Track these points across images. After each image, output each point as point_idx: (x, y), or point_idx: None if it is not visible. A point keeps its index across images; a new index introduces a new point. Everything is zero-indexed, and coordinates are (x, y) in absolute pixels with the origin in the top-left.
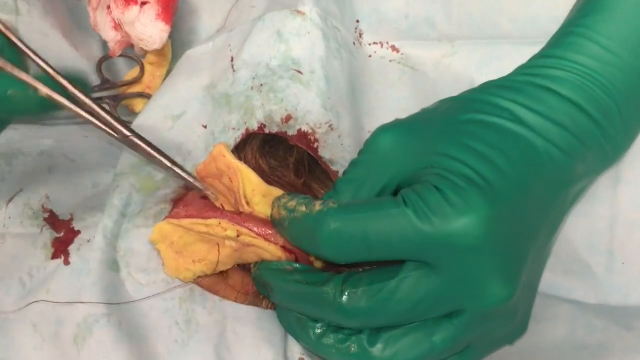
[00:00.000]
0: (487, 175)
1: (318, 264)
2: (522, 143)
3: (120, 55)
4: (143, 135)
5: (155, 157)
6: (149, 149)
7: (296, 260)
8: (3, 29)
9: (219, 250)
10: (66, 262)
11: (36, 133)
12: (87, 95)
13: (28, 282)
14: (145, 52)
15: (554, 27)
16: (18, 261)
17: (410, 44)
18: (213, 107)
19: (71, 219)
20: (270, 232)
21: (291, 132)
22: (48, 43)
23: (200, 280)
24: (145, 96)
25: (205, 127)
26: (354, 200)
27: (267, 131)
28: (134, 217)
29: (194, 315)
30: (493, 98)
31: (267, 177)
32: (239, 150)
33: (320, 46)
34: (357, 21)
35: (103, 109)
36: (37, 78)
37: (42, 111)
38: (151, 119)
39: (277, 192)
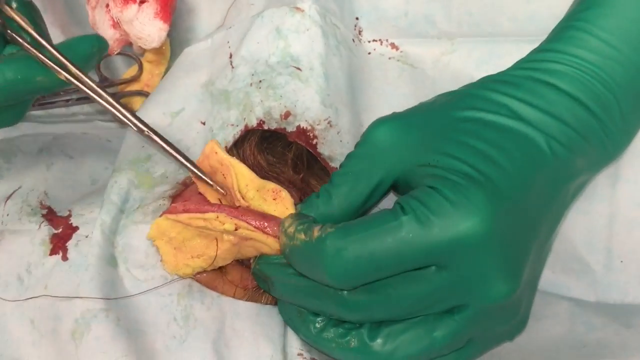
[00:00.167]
0: (487, 172)
1: None
2: (522, 139)
3: (119, 54)
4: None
5: (170, 152)
6: (165, 145)
7: None
8: (21, 22)
9: (217, 245)
10: (64, 258)
11: (35, 130)
12: (99, 86)
13: (26, 279)
14: (144, 50)
15: (553, 25)
16: (16, 258)
17: (410, 42)
18: (212, 103)
19: (69, 215)
20: (268, 224)
21: (290, 128)
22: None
23: (198, 276)
24: (144, 94)
25: (203, 123)
26: (350, 222)
27: (266, 127)
28: (133, 213)
29: (192, 311)
30: (491, 94)
31: (266, 174)
32: (237, 146)
33: (319, 43)
34: (357, 19)
35: (118, 101)
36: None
37: (59, 89)
38: (149, 115)
39: (271, 186)
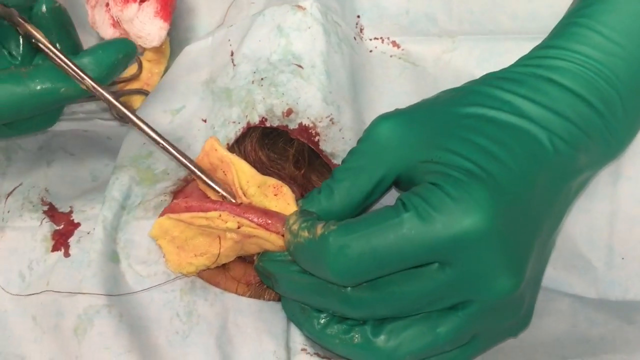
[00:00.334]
0: (489, 168)
1: None
2: (524, 135)
3: None
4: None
5: (179, 158)
6: (174, 151)
7: None
8: (37, 35)
9: (220, 243)
10: (66, 255)
11: None
12: (113, 96)
13: (28, 275)
14: (144, 49)
15: (554, 23)
16: (18, 254)
17: (411, 40)
18: (213, 101)
19: (71, 212)
20: (270, 221)
21: (292, 126)
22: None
23: (201, 273)
24: (144, 93)
25: (205, 121)
26: (353, 219)
27: (268, 125)
28: (134, 209)
29: (195, 307)
30: (494, 90)
31: (267, 170)
32: (238, 143)
33: (321, 41)
34: (358, 16)
35: (131, 111)
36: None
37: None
38: (150, 113)
39: (272, 181)
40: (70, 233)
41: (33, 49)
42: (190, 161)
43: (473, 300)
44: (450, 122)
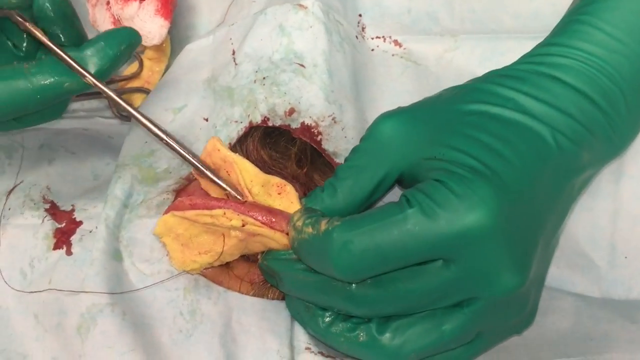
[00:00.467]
0: (493, 165)
1: None
2: (528, 133)
3: None
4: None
5: (185, 156)
6: (179, 148)
7: None
8: (37, 33)
9: (224, 241)
10: (68, 253)
11: (36, 126)
12: (117, 93)
13: (29, 273)
14: (144, 47)
15: (556, 22)
16: (19, 251)
17: (413, 39)
18: (214, 100)
19: (72, 210)
20: (275, 219)
21: (295, 125)
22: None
23: (204, 271)
24: (144, 91)
25: (206, 120)
26: (357, 215)
27: (270, 124)
28: (137, 208)
29: (198, 305)
30: (497, 87)
31: (269, 169)
32: (240, 142)
33: (322, 40)
34: (360, 15)
35: (137, 110)
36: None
37: (85, 91)
38: (152, 112)
39: (275, 180)
40: (72, 231)
41: (37, 40)
42: (196, 158)
43: (478, 297)
44: (453, 119)
